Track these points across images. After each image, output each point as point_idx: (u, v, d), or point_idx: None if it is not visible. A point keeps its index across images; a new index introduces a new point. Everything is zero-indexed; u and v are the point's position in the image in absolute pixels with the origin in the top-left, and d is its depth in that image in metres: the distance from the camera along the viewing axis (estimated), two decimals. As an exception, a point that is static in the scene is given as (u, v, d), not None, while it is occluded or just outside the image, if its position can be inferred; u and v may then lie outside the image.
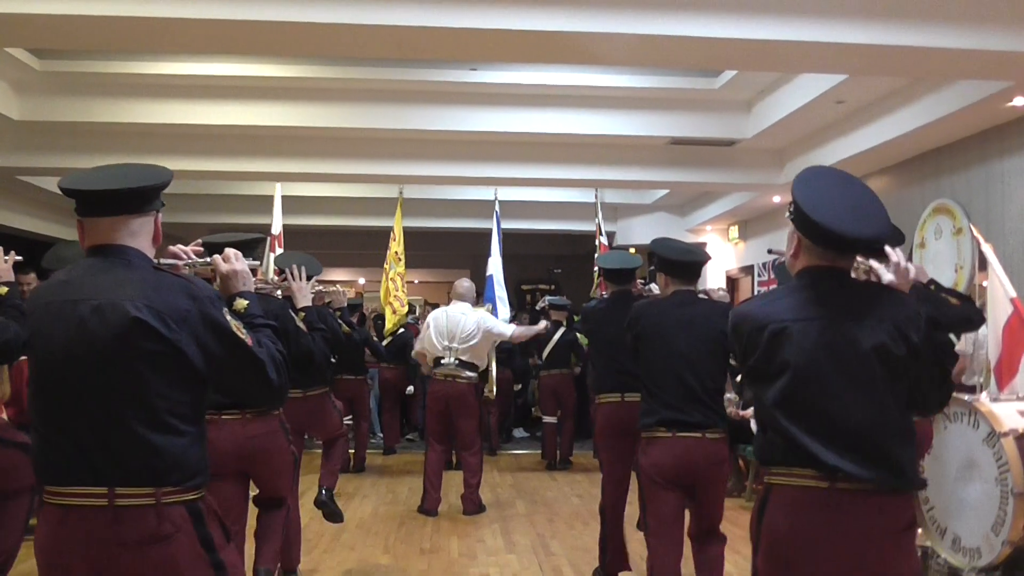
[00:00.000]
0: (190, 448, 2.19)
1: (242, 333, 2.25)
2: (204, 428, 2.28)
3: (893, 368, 2.33)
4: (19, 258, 4.11)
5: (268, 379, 2.29)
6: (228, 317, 2.26)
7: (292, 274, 4.24)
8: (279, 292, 4.39)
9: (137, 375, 2.12)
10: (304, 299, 4.24)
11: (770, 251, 3.17)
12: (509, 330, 7.45)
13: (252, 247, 3.97)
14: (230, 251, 2.51)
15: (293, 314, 4.16)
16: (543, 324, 8.10)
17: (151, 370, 2.13)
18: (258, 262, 2.72)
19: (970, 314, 3.03)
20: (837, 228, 2.33)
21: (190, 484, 2.18)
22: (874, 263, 2.46)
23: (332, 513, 5.69)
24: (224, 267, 2.47)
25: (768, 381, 2.41)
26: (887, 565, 2.32)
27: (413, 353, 8.06)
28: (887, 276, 2.44)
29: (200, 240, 2.89)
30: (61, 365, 2.16)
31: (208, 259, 2.51)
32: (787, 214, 2.47)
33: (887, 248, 2.49)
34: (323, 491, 5.67)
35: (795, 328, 2.37)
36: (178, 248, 2.54)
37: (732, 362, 4.12)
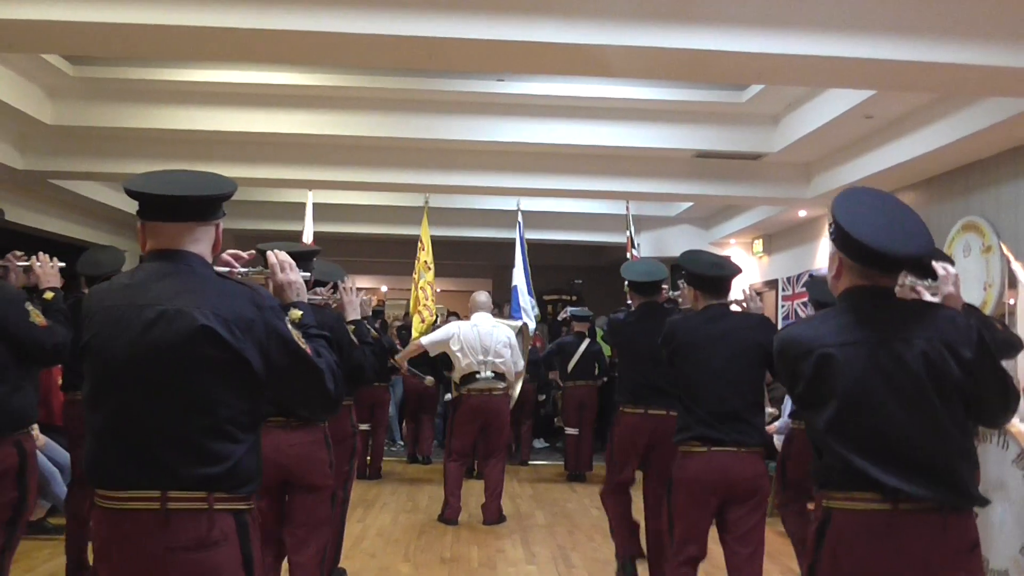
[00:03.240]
0: (246, 456, 2.20)
1: (302, 343, 2.26)
2: (260, 437, 2.28)
3: (945, 387, 2.29)
4: (63, 264, 4.17)
5: (326, 389, 2.30)
6: (289, 327, 2.27)
7: (344, 287, 4.23)
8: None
9: (200, 382, 2.13)
10: (354, 312, 4.23)
11: (811, 275, 3.19)
12: (520, 365, 7.62)
13: (307, 259, 3.98)
14: (286, 261, 2.50)
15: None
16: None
17: (214, 377, 2.14)
18: (309, 274, 2.71)
19: (1012, 340, 3.01)
20: (879, 246, 2.31)
21: (242, 492, 2.19)
22: (919, 284, 2.43)
23: None
24: (280, 276, 2.47)
25: (818, 407, 2.39)
26: None
27: (402, 353, 8.11)
28: (927, 296, 2.42)
29: (257, 247, 2.89)
30: (123, 369, 2.17)
31: (261, 267, 2.51)
32: (828, 234, 2.47)
33: (934, 263, 2.47)
34: None
35: (841, 353, 2.34)
36: (230, 253, 2.53)
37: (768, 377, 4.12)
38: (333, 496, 4.08)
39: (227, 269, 2.44)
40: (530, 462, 10.61)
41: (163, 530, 2.11)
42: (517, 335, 7.84)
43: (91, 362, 2.25)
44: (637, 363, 4.99)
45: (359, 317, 4.27)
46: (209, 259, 2.32)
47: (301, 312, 2.40)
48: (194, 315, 2.13)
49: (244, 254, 2.55)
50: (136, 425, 2.15)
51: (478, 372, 7.02)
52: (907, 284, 2.47)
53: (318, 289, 4.42)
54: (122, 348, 2.17)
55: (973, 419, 2.41)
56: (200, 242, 2.30)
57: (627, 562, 5.22)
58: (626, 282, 5.22)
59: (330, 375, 2.30)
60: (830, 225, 2.44)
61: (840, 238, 2.39)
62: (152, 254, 2.29)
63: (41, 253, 4.13)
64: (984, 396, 2.34)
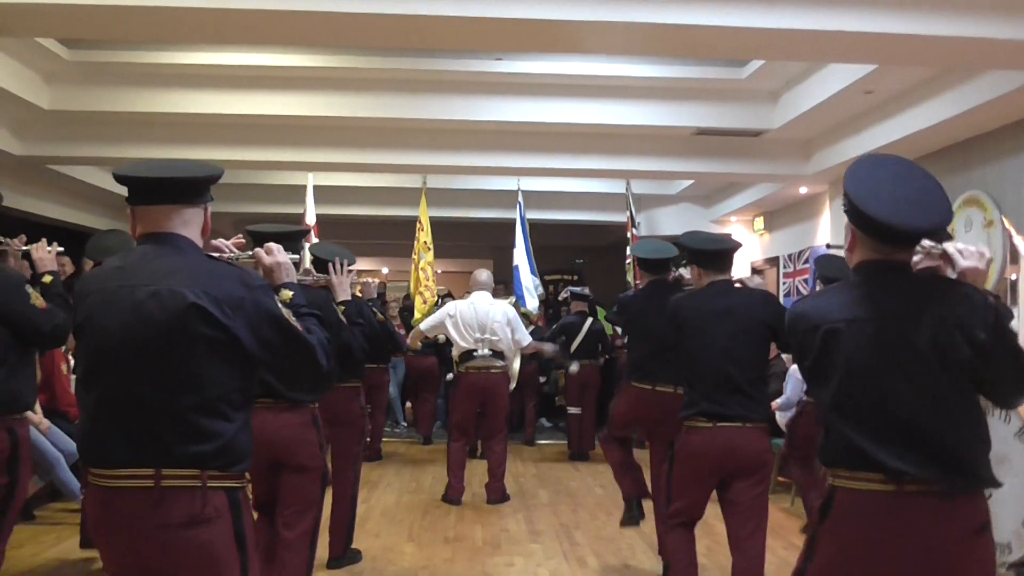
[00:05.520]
0: (238, 434, 2.23)
1: (293, 321, 2.30)
2: (251, 415, 2.32)
3: (955, 368, 2.22)
4: (61, 248, 4.16)
5: (319, 364, 2.34)
6: (279, 306, 2.31)
7: (335, 267, 4.24)
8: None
9: (192, 360, 2.16)
10: (344, 292, 4.24)
11: (828, 246, 3.13)
12: (527, 340, 7.56)
13: (295, 239, 3.99)
14: (272, 244, 2.56)
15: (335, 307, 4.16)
16: (549, 347, 8.74)
17: (206, 356, 2.17)
18: (298, 255, 2.76)
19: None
20: (889, 220, 2.23)
21: (235, 469, 2.22)
22: (949, 247, 2.28)
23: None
24: (267, 259, 2.52)
25: (824, 383, 2.36)
26: (958, 569, 2.22)
27: (412, 334, 8.10)
28: (963, 262, 2.27)
29: (245, 228, 2.92)
30: (115, 349, 2.19)
31: (250, 252, 2.57)
32: (842, 206, 2.38)
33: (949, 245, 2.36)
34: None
35: (848, 330, 2.29)
36: (220, 241, 2.59)
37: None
38: (323, 475, 4.09)
39: (217, 255, 2.50)
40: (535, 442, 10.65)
41: (157, 507, 2.13)
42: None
43: (84, 343, 2.29)
44: (645, 340, 5.02)
45: (349, 298, 4.28)
46: (199, 243, 2.36)
47: (292, 292, 2.45)
48: (185, 294, 2.16)
49: (232, 241, 2.62)
50: (129, 404, 2.17)
51: (475, 350, 7.04)
52: (935, 252, 2.29)
53: (312, 272, 4.46)
54: (115, 328, 2.20)
55: (988, 399, 2.35)
56: (188, 225, 2.34)
57: (633, 503, 5.28)
58: (634, 260, 5.28)
59: (322, 351, 2.35)
60: (844, 198, 2.35)
61: (851, 211, 2.30)
62: (142, 238, 2.33)
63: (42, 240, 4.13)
64: (998, 378, 2.26)
